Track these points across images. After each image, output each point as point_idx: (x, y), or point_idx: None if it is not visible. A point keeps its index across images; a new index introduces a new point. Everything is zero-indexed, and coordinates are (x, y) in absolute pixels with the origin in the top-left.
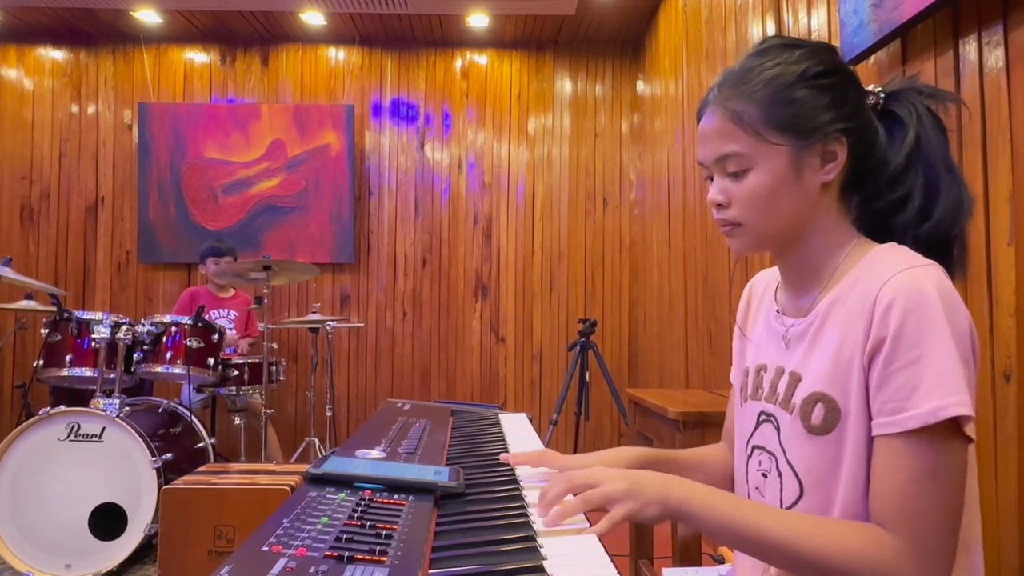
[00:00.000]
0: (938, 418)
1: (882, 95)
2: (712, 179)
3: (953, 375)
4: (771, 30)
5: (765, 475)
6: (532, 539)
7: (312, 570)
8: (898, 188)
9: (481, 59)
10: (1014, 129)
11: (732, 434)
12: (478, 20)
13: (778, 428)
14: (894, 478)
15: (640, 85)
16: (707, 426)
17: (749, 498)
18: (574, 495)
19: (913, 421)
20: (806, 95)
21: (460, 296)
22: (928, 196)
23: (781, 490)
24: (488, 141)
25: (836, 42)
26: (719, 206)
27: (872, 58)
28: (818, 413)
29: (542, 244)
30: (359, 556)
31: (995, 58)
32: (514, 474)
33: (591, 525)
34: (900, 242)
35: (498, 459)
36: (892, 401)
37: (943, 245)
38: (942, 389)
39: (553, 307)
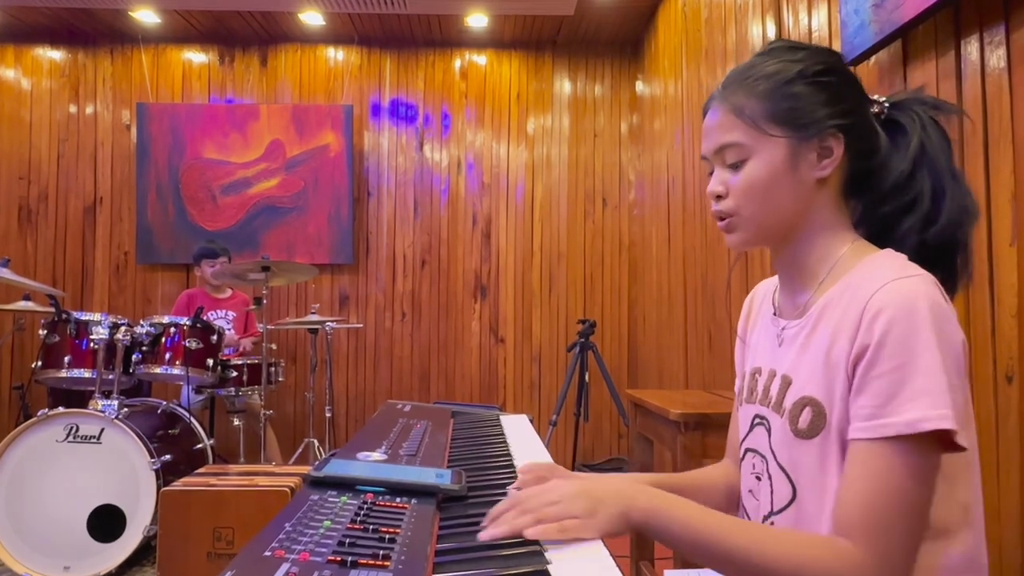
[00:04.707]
0: (916, 430)
1: (886, 104)
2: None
3: (937, 388)
4: (771, 30)
5: (759, 478)
6: (536, 543)
7: (315, 575)
8: (905, 193)
9: (480, 59)
10: (1016, 130)
11: (735, 448)
12: (477, 20)
13: (769, 431)
14: (864, 486)
15: (639, 86)
16: (708, 427)
17: (742, 502)
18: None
19: (887, 429)
20: (804, 91)
21: (459, 297)
22: (934, 201)
23: (772, 493)
24: (487, 141)
25: (837, 42)
26: (718, 197)
27: (873, 59)
28: (805, 417)
29: (541, 245)
30: (362, 561)
31: (997, 58)
32: (516, 477)
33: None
34: (905, 246)
35: (500, 461)
36: (867, 407)
37: (948, 250)
38: (924, 401)
39: (552, 308)
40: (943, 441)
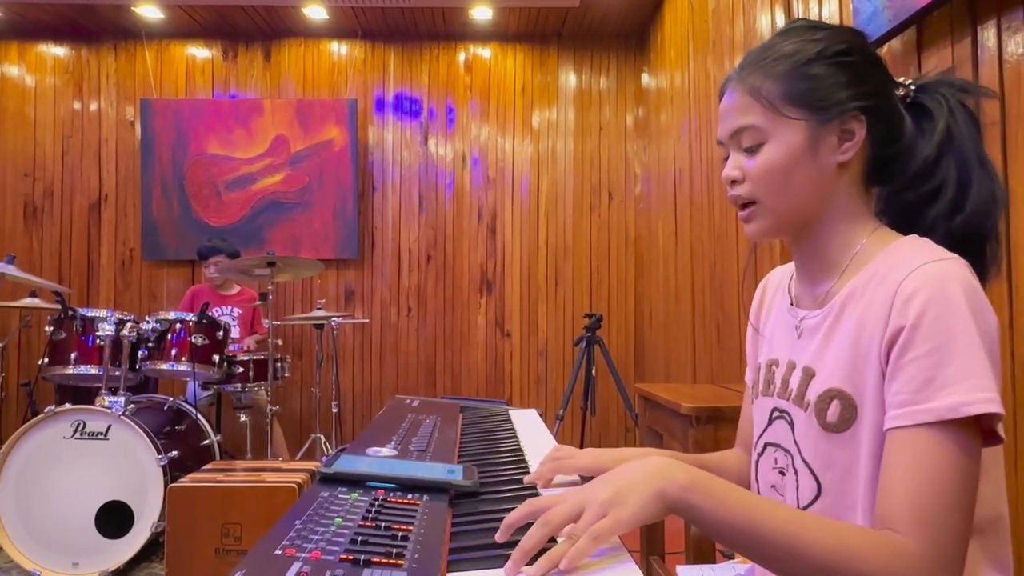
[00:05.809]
0: (959, 414)
1: (912, 87)
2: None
3: (979, 370)
4: (780, 20)
5: (783, 473)
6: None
7: (328, 574)
8: (930, 180)
9: (484, 52)
10: None
11: (747, 437)
12: (481, 13)
13: (792, 425)
14: (909, 477)
15: (645, 78)
16: (720, 421)
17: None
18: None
19: (926, 415)
20: (824, 71)
21: (465, 291)
22: (960, 189)
23: (798, 488)
24: (492, 135)
25: None
26: (733, 182)
27: (886, 46)
28: (834, 410)
29: (547, 239)
30: (375, 559)
31: (1015, 44)
32: (528, 472)
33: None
34: (931, 235)
35: (511, 456)
36: (902, 393)
37: (976, 240)
38: (967, 384)
39: (558, 302)
40: (984, 429)
